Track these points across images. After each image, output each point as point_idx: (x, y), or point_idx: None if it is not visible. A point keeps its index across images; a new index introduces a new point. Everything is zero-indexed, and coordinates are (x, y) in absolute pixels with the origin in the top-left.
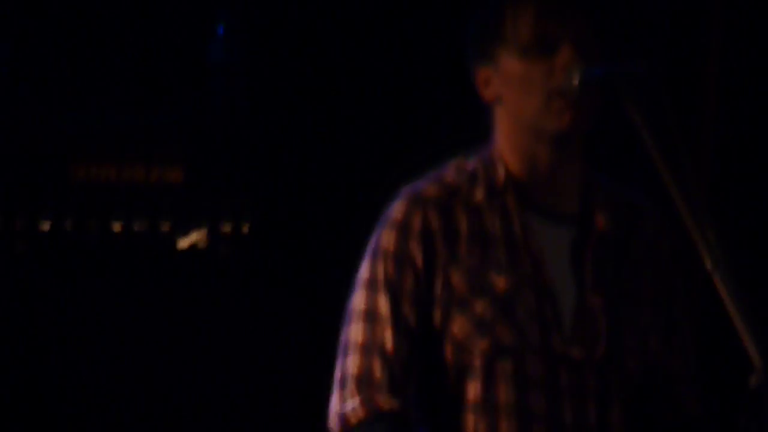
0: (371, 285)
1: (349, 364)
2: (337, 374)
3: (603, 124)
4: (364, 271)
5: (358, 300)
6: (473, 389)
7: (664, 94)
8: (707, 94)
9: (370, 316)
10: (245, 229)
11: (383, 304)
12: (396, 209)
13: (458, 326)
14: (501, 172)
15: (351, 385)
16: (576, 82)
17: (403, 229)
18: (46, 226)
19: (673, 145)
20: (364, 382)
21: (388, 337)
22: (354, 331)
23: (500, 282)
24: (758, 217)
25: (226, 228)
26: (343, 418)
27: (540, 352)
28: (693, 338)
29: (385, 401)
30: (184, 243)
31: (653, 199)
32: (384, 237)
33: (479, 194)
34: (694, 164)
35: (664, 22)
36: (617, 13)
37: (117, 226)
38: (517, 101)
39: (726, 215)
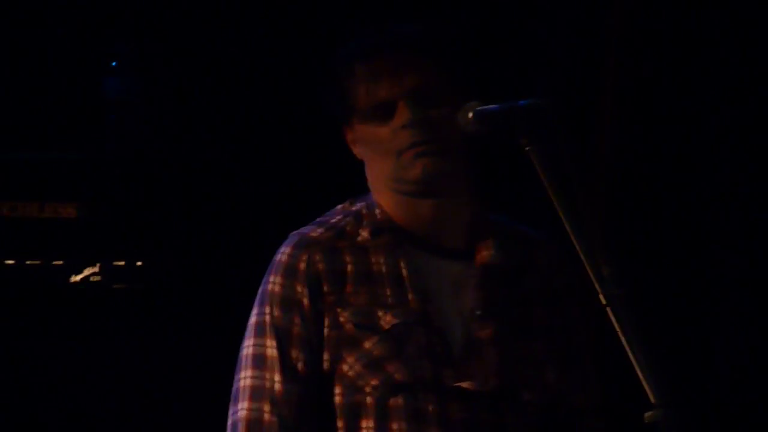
0: (259, 330)
1: (239, 409)
2: (229, 421)
3: (498, 160)
4: (252, 316)
5: (247, 346)
6: (366, 428)
7: (558, 128)
8: (603, 128)
9: (259, 360)
10: (139, 264)
11: (271, 349)
12: (282, 253)
13: (349, 366)
14: (380, 214)
15: (242, 431)
16: (471, 116)
17: (288, 272)
18: None
19: (568, 180)
20: (254, 427)
21: (277, 381)
22: (243, 377)
23: (388, 319)
24: (653, 249)
25: (119, 263)
26: None
27: (432, 388)
28: (596, 372)
29: None
30: (77, 278)
31: (551, 234)
32: (270, 281)
33: (364, 233)
34: (589, 199)
35: (559, 55)
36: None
37: (10, 261)
38: (375, 161)
39: (621, 248)
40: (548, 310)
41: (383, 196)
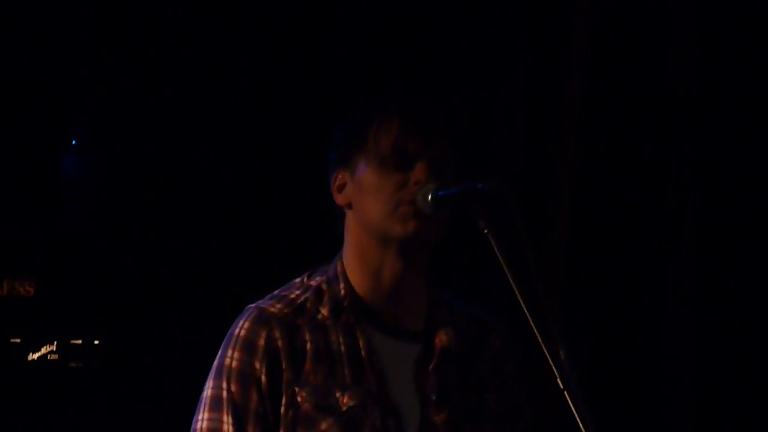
0: (215, 404)
1: None
2: None
3: (454, 241)
4: (207, 390)
5: (201, 419)
6: None
7: (515, 211)
8: (559, 210)
9: None
10: (96, 342)
11: (227, 425)
12: (240, 327)
13: None
14: (344, 288)
15: None
16: (430, 198)
17: (247, 347)
18: None
19: (524, 261)
20: None
21: None
22: None
23: (345, 400)
24: (608, 331)
25: (77, 341)
26: None
27: None
28: None
29: None
30: (34, 356)
31: (504, 315)
32: (228, 355)
33: (324, 311)
34: (546, 281)
35: (518, 140)
36: (471, 132)
37: None
38: (366, 207)
39: (577, 329)
40: (498, 394)
41: (357, 250)
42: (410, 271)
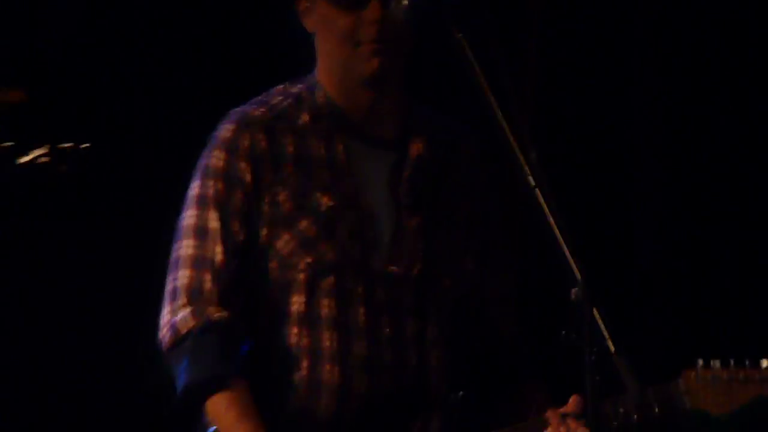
0: (201, 202)
1: (180, 276)
2: (168, 287)
3: (427, 54)
4: (194, 189)
5: (188, 216)
6: (297, 303)
7: (489, 17)
8: (530, 21)
9: (201, 231)
10: (84, 147)
11: (213, 221)
12: (224, 129)
13: (283, 243)
14: (323, 97)
15: (182, 297)
16: (405, 3)
17: (231, 149)
18: None
19: (497, 71)
20: (195, 293)
21: (218, 252)
22: (185, 246)
23: (324, 201)
24: (582, 135)
25: (67, 145)
26: (174, 328)
27: (360, 270)
28: (512, 259)
29: (215, 311)
30: (26, 158)
31: (477, 125)
32: (213, 156)
33: (304, 117)
34: (518, 89)
35: None
36: None
37: None
38: (329, 45)
39: (550, 135)
40: (470, 202)
41: (330, 75)
42: (382, 93)
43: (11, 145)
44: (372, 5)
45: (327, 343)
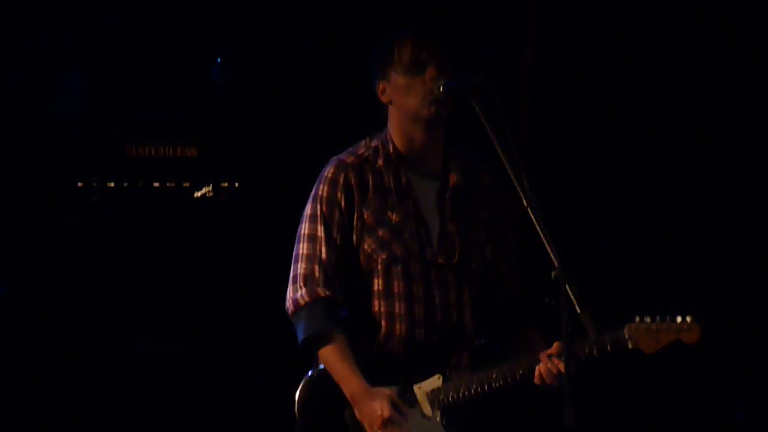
0: (312, 218)
1: (299, 268)
2: (292, 275)
3: (458, 116)
4: (307, 210)
5: (304, 228)
6: (377, 284)
7: (495, 95)
8: (522, 96)
9: (312, 238)
10: (237, 185)
11: (320, 231)
12: (328, 171)
13: (368, 244)
14: (391, 148)
15: (300, 281)
16: (440, 89)
17: (332, 183)
18: (111, 183)
19: (502, 127)
20: (308, 279)
21: (323, 251)
22: (302, 247)
23: (393, 216)
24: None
25: (225, 184)
26: (295, 302)
27: (419, 260)
28: (515, 248)
29: (322, 290)
30: (199, 193)
31: (490, 161)
32: (320, 188)
33: (380, 161)
34: (516, 139)
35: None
36: (465, 44)
37: (156, 184)
38: (404, 102)
39: (539, 171)
40: (488, 211)
41: (397, 128)
42: (432, 137)
43: (189, 185)
44: (429, 70)
45: (397, 310)
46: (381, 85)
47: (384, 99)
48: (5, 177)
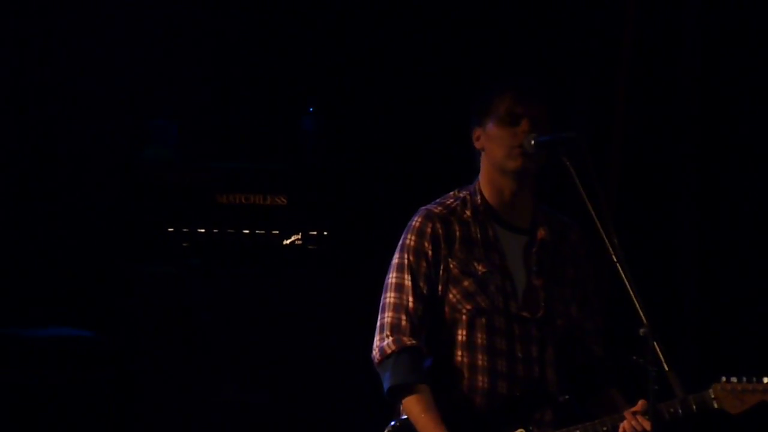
0: (400, 268)
1: (386, 317)
2: (378, 324)
3: (549, 171)
4: (395, 259)
5: (392, 277)
6: (461, 335)
7: (586, 150)
8: (613, 153)
9: (399, 287)
10: (326, 233)
11: (407, 280)
12: (415, 221)
13: (453, 295)
14: (480, 199)
15: (387, 330)
16: (533, 143)
17: (420, 233)
18: (201, 229)
19: (591, 185)
20: (395, 328)
21: (410, 300)
22: (389, 297)
23: (480, 268)
24: (645, 230)
25: (313, 233)
26: (382, 350)
27: (503, 313)
28: (601, 307)
29: (408, 340)
30: (288, 241)
31: (579, 219)
32: (408, 238)
33: (468, 213)
34: (605, 195)
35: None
36: (561, 101)
37: (246, 232)
38: (493, 151)
39: (627, 229)
40: (574, 269)
41: (488, 178)
42: (520, 190)
43: (278, 233)
44: (523, 123)
45: (480, 362)
46: (477, 132)
47: (478, 145)
48: (97, 223)
